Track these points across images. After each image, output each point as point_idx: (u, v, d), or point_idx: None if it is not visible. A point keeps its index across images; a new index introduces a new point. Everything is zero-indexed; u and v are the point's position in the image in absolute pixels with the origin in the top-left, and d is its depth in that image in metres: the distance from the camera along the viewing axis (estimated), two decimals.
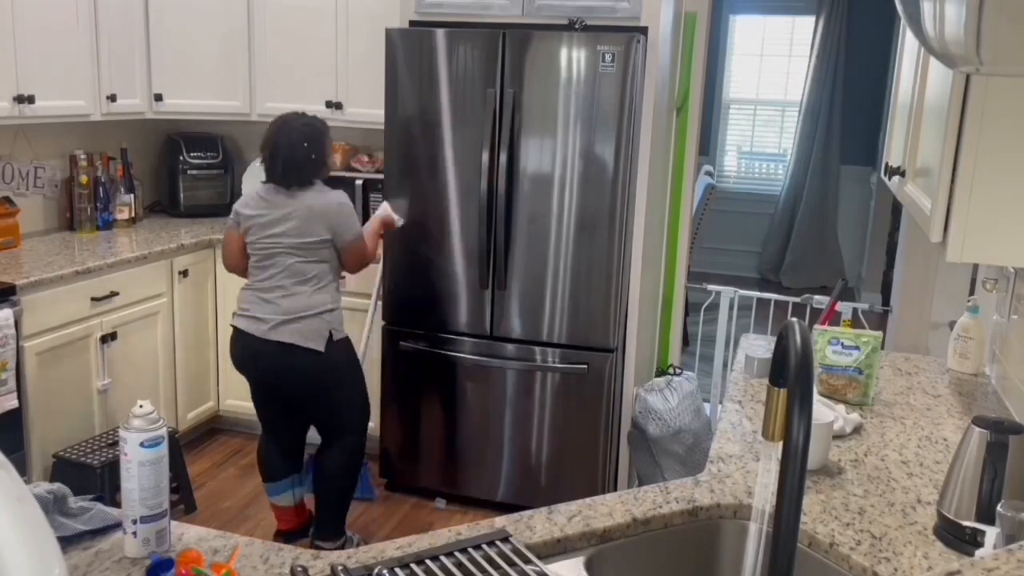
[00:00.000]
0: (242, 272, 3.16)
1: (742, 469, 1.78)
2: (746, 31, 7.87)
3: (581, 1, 3.37)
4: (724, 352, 4.20)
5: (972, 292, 2.90)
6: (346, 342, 3.11)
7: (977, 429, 1.50)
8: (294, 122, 3.07)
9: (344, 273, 3.18)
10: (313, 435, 3.24)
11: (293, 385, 3.06)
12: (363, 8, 3.96)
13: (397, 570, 1.34)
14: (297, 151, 3.01)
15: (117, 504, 1.46)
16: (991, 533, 1.39)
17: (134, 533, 1.40)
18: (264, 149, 3.06)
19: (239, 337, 3.09)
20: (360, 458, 3.28)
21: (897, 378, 2.43)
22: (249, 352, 3.08)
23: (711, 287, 4.22)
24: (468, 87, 3.39)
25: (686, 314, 5.14)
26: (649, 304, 3.85)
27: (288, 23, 4.11)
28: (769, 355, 1.76)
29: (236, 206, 3.11)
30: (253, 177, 4.55)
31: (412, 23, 3.59)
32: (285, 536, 3.28)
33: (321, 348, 2.99)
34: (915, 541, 1.52)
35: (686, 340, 5.35)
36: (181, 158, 4.41)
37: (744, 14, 7.82)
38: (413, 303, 3.62)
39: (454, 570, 1.34)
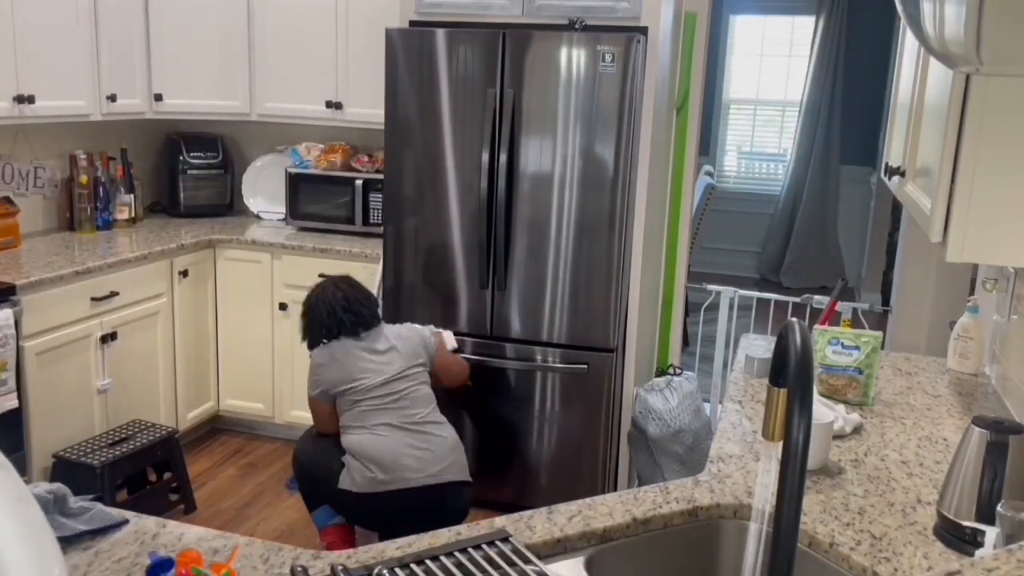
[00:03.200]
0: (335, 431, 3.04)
1: (742, 469, 1.78)
2: (746, 31, 7.87)
3: (581, 1, 3.37)
4: (724, 352, 4.20)
5: (972, 292, 2.90)
6: None
7: (977, 429, 1.50)
8: (325, 283, 3.11)
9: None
10: None
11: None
12: (363, 8, 3.96)
13: (397, 570, 1.34)
14: (353, 296, 3.04)
15: (117, 504, 1.46)
16: (991, 533, 1.39)
17: None
18: (315, 314, 3.05)
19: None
20: None
21: (897, 378, 2.43)
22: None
23: (711, 287, 4.22)
24: (468, 87, 3.39)
25: (686, 314, 5.13)
26: (649, 304, 3.85)
27: (288, 23, 4.11)
28: (769, 355, 1.76)
29: (319, 380, 3.00)
30: (253, 177, 4.57)
31: (412, 23, 3.59)
32: None
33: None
34: (915, 541, 1.52)
35: (686, 340, 5.35)
36: (181, 158, 4.41)
37: (744, 14, 7.82)
38: (413, 303, 3.62)
39: (454, 570, 1.34)
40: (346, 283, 3.10)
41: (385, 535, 2.96)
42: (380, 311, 3.14)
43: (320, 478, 2.98)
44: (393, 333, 3.05)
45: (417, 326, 3.18)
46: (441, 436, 2.96)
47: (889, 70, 6.54)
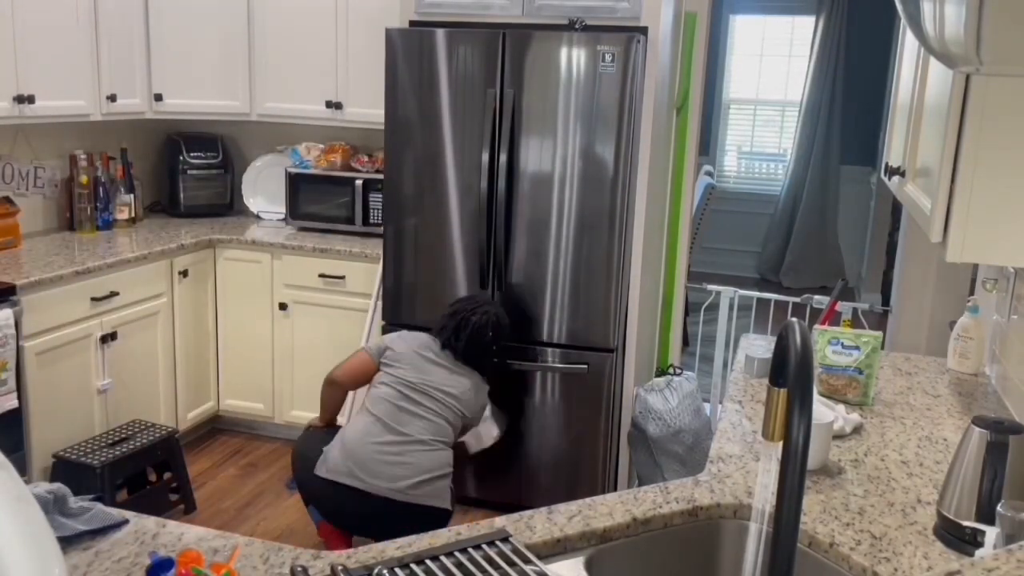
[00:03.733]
0: (344, 393, 3.14)
1: (742, 469, 1.78)
2: (746, 31, 7.87)
3: (581, 1, 3.37)
4: (724, 352, 4.20)
5: (972, 292, 2.90)
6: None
7: (977, 429, 1.50)
8: (489, 306, 3.16)
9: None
10: None
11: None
12: (363, 8, 3.96)
13: (397, 570, 1.34)
14: (484, 334, 3.09)
15: (117, 504, 1.46)
16: (991, 533, 1.39)
17: None
18: (453, 317, 3.12)
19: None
20: None
21: (897, 378, 2.43)
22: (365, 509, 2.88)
23: (711, 287, 4.22)
24: (468, 87, 3.39)
25: (686, 314, 5.14)
26: (649, 304, 3.85)
27: (288, 23, 4.11)
28: (769, 355, 1.76)
29: (391, 339, 3.09)
30: (253, 177, 4.57)
31: (412, 23, 3.59)
32: None
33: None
34: (915, 541, 1.52)
35: (686, 340, 5.35)
36: (181, 158, 4.41)
37: (744, 14, 7.82)
38: (413, 303, 3.62)
39: (454, 570, 1.34)
40: (502, 320, 3.17)
41: (352, 532, 2.99)
42: (477, 366, 3.12)
43: (309, 468, 2.98)
44: (469, 383, 3.06)
45: (487, 406, 3.21)
46: (419, 463, 2.86)
47: (889, 70, 6.54)
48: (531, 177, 3.38)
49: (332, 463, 2.87)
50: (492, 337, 3.10)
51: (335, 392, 3.14)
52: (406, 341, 3.08)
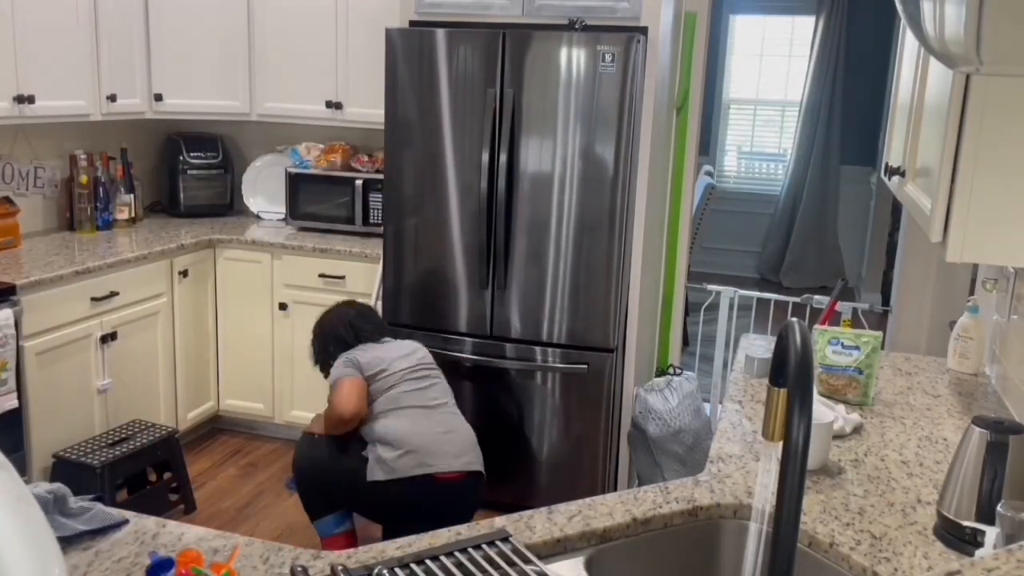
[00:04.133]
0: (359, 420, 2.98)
1: (742, 469, 1.78)
2: (746, 31, 7.87)
3: (581, 1, 3.37)
4: (724, 352, 4.20)
5: (972, 292, 2.90)
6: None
7: (977, 429, 1.50)
8: (338, 305, 3.25)
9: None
10: None
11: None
12: (363, 8, 3.96)
13: (397, 570, 1.34)
14: (366, 310, 3.21)
15: (117, 504, 1.46)
16: (991, 533, 1.39)
17: None
18: (330, 329, 3.13)
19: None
20: None
21: (897, 378, 2.43)
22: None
23: (711, 287, 4.22)
24: (468, 87, 3.39)
25: (686, 314, 5.13)
26: (649, 304, 3.85)
27: (288, 23, 4.11)
28: (769, 355, 1.76)
29: (350, 362, 2.97)
30: (253, 177, 4.57)
31: (412, 23, 3.58)
32: None
33: None
34: (915, 541, 1.52)
35: (686, 340, 5.35)
36: (181, 158, 4.41)
37: (744, 14, 7.82)
38: (413, 303, 3.62)
39: (454, 570, 1.34)
40: (353, 304, 3.23)
41: (403, 526, 2.90)
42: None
43: (332, 481, 2.93)
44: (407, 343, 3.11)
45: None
46: (463, 426, 2.98)
47: (889, 70, 6.54)
48: (531, 177, 3.38)
49: (392, 463, 2.80)
50: (362, 307, 3.22)
51: (350, 426, 2.95)
52: (362, 352, 2.99)
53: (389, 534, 2.97)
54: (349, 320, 3.10)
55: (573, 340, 3.46)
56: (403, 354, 3.00)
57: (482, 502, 3.01)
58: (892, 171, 2.10)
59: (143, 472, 3.46)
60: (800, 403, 1.10)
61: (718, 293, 4.18)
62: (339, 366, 2.96)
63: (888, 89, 6.46)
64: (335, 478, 2.93)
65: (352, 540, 3.05)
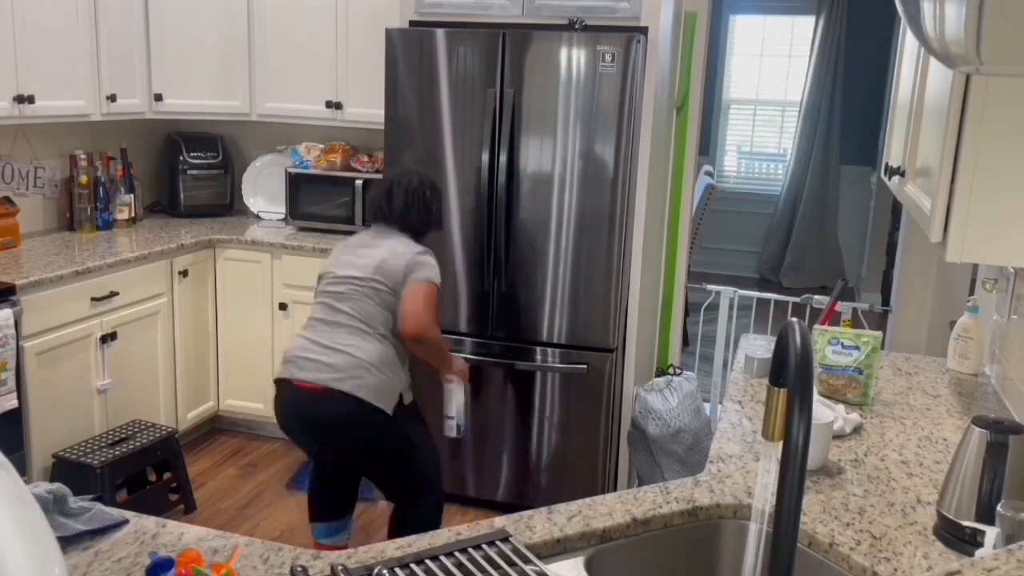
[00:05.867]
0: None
1: (742, 469, 1.78)
2: (746, 31, 7.87)
3: (581, 1, 3.37)
4: (724, 352, 4.20)
5: (972, 292, 2.90)
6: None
7: (977, 429, 1.50)
8: (414, 171, 2.98)
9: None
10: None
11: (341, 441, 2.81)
12: (363, 8, 3.96)
13: (397, 570, 1.34)
14: (411, 189, 2.87)
15: (117, 504, 1.46)
16: (991, 533, 1.39)
17: None
18: (375, 188, 2.94)
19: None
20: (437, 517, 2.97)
21: (897, 378, 2.43)
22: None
23: (711, 287, 4.22)
24: (468, 87, 3.39)
25: (686, 314, 5.13)
26: (649, 304, 3.85)
27: (288, 23, 4.11)
28: (769, 355, 1.76)
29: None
30: (253, 177, 4.57)
31: (412, 23, 3.59)
32: None
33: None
34: (915, 541, 1.52)
35: (686, 340, 5.35)
36: (181, 158, 4.41)
37: (744, 14, 7.82)
38: None
39: (454, 570, 1.34)
40: (427, 180, 2.92)
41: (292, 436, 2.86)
42: (417, 223, 2.88)
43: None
44: (396, 244, 2.80)
45: (423, 259, 2.81)
46: (356, 346, 2.70)
47: (889, 70, 6.53)
48: (531, 177, 3.38)
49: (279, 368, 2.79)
50: (429, 195, 2.89)
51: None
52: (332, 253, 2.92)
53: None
54: (387, 191, 2.88)
55: (573, 340, 3.46)
56: (353, 261, 2.79)
57: (340, 424, 2.72)
58: (892, 171, 2.10)
59: (143, 472, 3.46)
60: (800, 403, 1.10)
61: (718, 293, 4.18)
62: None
63: (888, 89, 6.46)
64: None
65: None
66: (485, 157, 3.38)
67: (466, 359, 3.54)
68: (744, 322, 4.66)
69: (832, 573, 1.50)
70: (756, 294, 4.27)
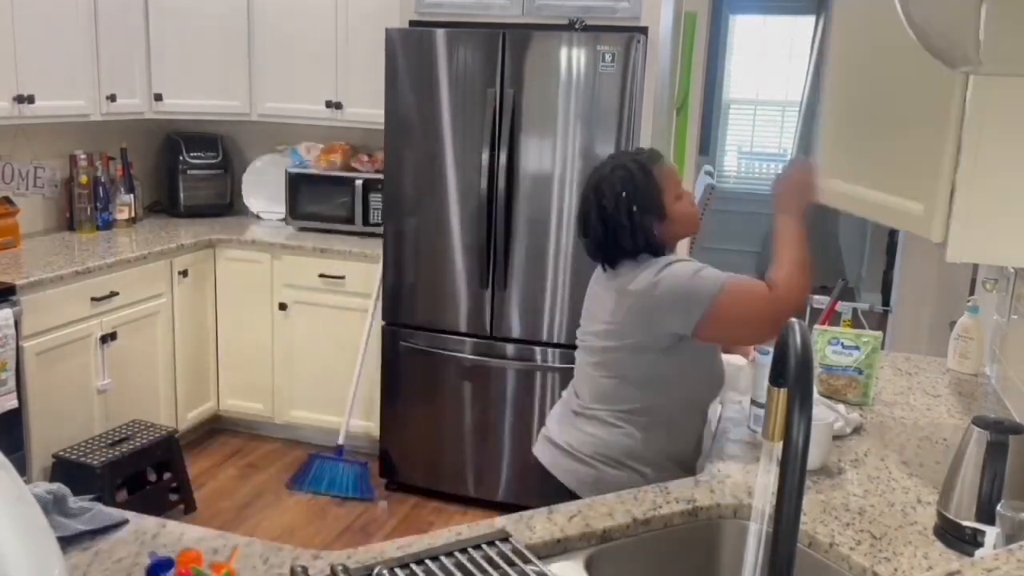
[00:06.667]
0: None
1: (742, 469, 1.78)
2: (746, 31, 7.87)
3: (581, 1, 3.37)
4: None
5: (972, 292, 2.90)
6: None
7: (977, 429, 1.50)
8: (604, 169, 2.02)
9: None
10: None
11: None
12: (363, 8, 3.96)
13: (397, 570, 1.34)
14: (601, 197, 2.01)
15: (117, 504, 1.46)
16: (991, 533, 1.39)
17: None
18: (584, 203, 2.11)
19: None
20: None
21: (897, 378, 2.43)
22: None
23: None
24: (468, 87, 3.39)
25: None
26: None
27: (288, 23, 4.11)
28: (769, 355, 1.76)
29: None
30: (253, 177, 4.56)
31: (412, 23, 3.58)
32: None
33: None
34: (915, 541, 1.52)
35: None
36: (181, 158, 4.41)
37: (744, 14, 7.82)
38: (413, 303, 3.62)
39: (454, 570, 1.34)
40: (641, 171, 1.96)
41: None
42: (651, 243, 2.04)
43: None
44: (609, 298, 2.05)
45: (693, 286, 2.00)
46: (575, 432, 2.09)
47: None
48: (531, 177, 3.38)
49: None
50: (618, 196, 1.98)
51: None
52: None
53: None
54: (600, 205, 2.07)
55: (573, 340, 3.45)
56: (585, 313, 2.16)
57: None
58: None
59: (143, 472, 3.46)
60: (800, 403, 1.10)
61: None
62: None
63: None
64: None
65: None
66: (485, 157, 3.38)
67: (466, 359, 3.55)
68: None
69: (832, 573, 1.50)
70: None
